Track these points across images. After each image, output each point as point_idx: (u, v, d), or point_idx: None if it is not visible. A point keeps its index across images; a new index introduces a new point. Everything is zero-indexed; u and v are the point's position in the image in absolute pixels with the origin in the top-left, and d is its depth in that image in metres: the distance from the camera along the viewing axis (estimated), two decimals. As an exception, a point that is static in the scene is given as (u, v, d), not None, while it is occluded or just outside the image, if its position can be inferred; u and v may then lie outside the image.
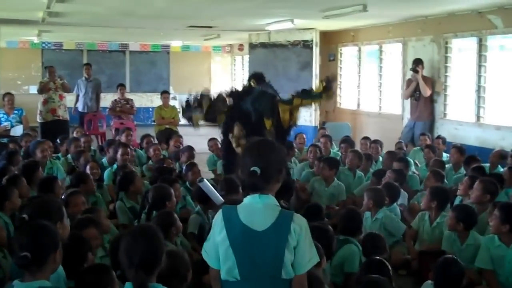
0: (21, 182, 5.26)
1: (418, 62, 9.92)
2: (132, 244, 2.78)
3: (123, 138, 8.88)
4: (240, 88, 7.34)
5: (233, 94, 7.00)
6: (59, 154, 8.34)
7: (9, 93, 10.41)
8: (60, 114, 10.59)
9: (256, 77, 7.17)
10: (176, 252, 3.66)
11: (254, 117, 6.63)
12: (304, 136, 9.48)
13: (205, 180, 4.82)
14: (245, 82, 7.17)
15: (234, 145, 6.70)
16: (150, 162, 8.25)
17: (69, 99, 11.48)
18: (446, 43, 10.03)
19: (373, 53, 12.56)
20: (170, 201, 5.09)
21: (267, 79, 7.18)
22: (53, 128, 9.85)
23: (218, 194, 4.70)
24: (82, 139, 8.78)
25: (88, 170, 6.57)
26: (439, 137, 9.21)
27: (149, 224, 3.23)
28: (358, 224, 4.97)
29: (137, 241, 2.79)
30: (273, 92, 6.90)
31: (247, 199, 2.75)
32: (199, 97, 7.17)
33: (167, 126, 11.31)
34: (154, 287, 2.79)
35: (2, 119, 9.98)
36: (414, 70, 9.86)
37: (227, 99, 6.93)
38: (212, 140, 9.19)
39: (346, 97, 13.51)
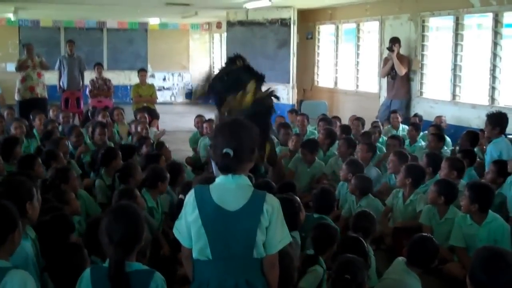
0: None
1: (394, 40, 9.89)
2: (112, 222, 2.79)
3: (99, 119, 8.74)
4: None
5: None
6: (34, 130, 8.18)
7: (-16, 71, 10.22)
8: (38, 92, 10.52)
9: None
10: None
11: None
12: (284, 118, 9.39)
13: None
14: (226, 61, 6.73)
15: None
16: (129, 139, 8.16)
17: (47, 76, 11.27)
18: (423, 21, 9.99)
19: (350, 31, 12.49)
20: (163, 183, 5.04)
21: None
22: (32, 107, 9.69)
23: None
24: (61, 115, 8.71)
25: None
26: (416, 115, 9.24)
27: (130, 203, 3.17)
28: (331, 202, 4.97)
29: (117, 219, 2.81)
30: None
31: (219, 179, 2.74)
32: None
33: (145, 104, 11.16)
34: (132, 265, 2.77)
35: (-23, 97, 9.80)
36: (390, 49, 9.83)
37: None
38: (198, 117, 9.16)
39: (324, 75, 13.46)
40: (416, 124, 8.34)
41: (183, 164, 6.30)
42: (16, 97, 10.56)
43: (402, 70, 9.79)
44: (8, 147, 5.87)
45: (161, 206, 5.10)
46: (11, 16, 15.96)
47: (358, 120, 8.62)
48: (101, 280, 2.73)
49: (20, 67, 10.48)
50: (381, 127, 8.74)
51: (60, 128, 8.39)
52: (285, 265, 2.93)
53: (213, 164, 4.78)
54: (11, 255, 2.74)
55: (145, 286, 2.73)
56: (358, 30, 12.01)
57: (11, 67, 12.82)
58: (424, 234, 4.24)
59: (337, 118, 9.28)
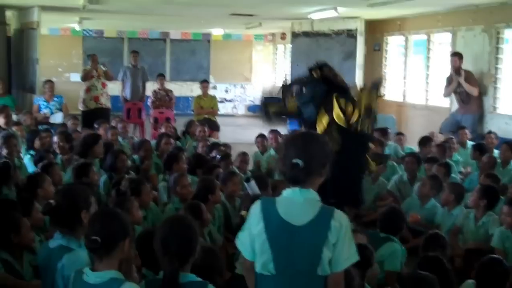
0: (54, 170, 5.40)
1: (457, 56, 9.67)
2: (169, 233, 2.86)
3: (162, 130, 8.98)
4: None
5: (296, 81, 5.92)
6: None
7: (49, 80, 10.63)
8: (103, 102, 10.86)
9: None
10: (208, 247, 3.70)
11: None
12: None
13: (252, 180, 4.82)
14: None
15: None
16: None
17: (110, 87, 11.63)
18: (498, 33, 9.77)
19: (420, 43, 12.35)
20: (213, 194, 5.08)
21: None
22: (96, 116, 9.99)
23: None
24: (120, 125, 8.98)
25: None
26: (490, 132, 8.98)
27: (185, 215, 3.27)
28: (400, 222, 4.91)
29: (173, 230, 2.88)
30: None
31: (286, 192, 2.73)
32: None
33: (206, 116, 11.36)
34: (186, 276, 2.83)
35: (42, 106, 10.19)
36: (458, 74, 9.58)
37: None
38: (260, 137, 8.76)
39: (392, 88, 13.33)
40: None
41: (236, 172, 6.18)
42: (81, 107, 10.90)
43: (475, 92, 9.55)
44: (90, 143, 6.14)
45: (219, 219, 5.16)
46: (76, 26, 16.53)
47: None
48: None
49: (86, 76, 10.84)
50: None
51: (120, 139, 8.62)
52: (346, 283, 2.88)
53: (247, 185, 4.76)
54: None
55: None
56: (429, 41, 11.87)
57: (75, 77, 13.35)
58: (493, 256, 4.16)
59: (401, 134, 9.14)
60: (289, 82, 5.84)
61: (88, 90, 10.80)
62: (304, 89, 5.56)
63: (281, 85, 5.82)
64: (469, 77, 9.66)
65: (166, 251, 2.80)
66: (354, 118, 5.29)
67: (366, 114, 5.35)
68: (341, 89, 5.43)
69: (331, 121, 5.36)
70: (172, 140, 7.82)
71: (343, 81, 5.59)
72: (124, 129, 9.25)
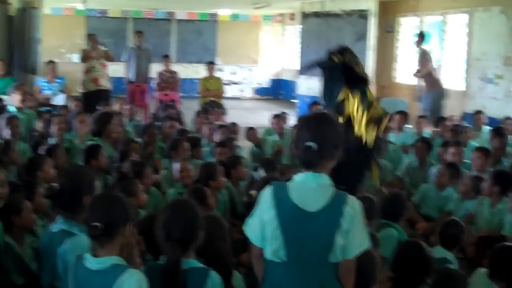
0: (58, 153, 5.41)
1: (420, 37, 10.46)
2: (171, 218, 2.84)
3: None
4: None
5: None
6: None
7: (51, 61, 10.60)
8: (103, 84, 10.75)
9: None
10: (211, 215, 3.68)
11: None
12: None
13: (260, 169, 4.77)
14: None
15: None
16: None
17: (113, 68, 11.60)
18: (516, 14, 9.70)
19: (435, 24, 12.24)
20: (214, 180, 5.07)
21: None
22: (96, 98, 9.95)
23: None
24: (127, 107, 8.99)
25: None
26: (509, 118, 8.81)
27: (189, 199, 3.25)
28: (401, 209, 4.75)
29: (176, 214, 2.86)
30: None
31: (298, 177, 2.72)
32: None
33: (212, 98, 11.33)
34: (189, 262, 2.82)
35: (44, 87, 10.17)
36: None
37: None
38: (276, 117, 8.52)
39: (404, 71, 13.25)
40: None
41: (241, 158, 6.14)
42: (80, 88, 10.83)
43: (423, 71, 10.22)
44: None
45: (224, 204, 5.16)
46: (79, 5, 16.48)
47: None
48: (155, 278, 2.77)
49: (85, 57, 10.74)
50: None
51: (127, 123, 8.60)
52: (365, 267, 2.90)
53: (255, 174, 4.72)
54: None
55: (201, 285, 2.77)
56: (444, 23, 11.76)
57: (77, 58, 13.29)
58: (507, 243, 4.12)
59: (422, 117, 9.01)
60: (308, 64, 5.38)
61: (87, 71, 10.70)
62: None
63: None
64: (421, 56, 10.22)
65: (169, 237, 2.79)
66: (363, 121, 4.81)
67: (374, 122, 4.86)
68: (360, 80, 4.96)
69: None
70: (176, 124, 7.79)
71: (364, 71, 5.20)
72: (131, 112, 9.20)
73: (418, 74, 10.45)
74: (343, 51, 5.02)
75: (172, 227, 2.81)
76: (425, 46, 12.34)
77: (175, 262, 2.76)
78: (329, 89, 4.97)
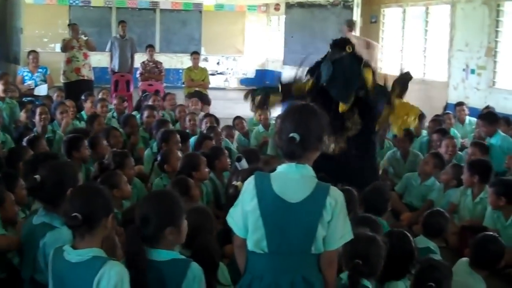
0: (40, 144, 5.35)
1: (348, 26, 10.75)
2: (150, 208, 2.81)
3: (150, 103, 8.91)
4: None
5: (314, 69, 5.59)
6: (83, 113, 8.39)
7: (33, 51, 10.46)
8: (85, 74, 10.57)
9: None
10: (199, 207, 3.68)
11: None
12: None
13: (243, 159, 4.76)
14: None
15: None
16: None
17: (97, 58, 11.49)
18: (498, 5, 9.73)
19: (418, 15, 12.27)
20: (197, 171, 4.98)
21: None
22: (77, 89, 9.85)
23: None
24: (115, 101, 8.90)
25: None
26: (487, 107, 8.92)
27: (169, 190, 3.23)
28: (383, 203, 4.62)
29: (155, 205, 2.83)
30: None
31: (282, 168, 2.71)
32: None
33: (197, 89, 11.29)
34: (169, 254, 2.78)
35: (26, 77, 10.04)
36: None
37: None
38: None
39: (388, 62, 13.28)
40: None
41: (223, 149, 6.06)
42: (62, 79, 10.62)
43: None
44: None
45: (207, 195, 5.12)
46: (62, -6, 16.35)
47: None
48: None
49: (65, 47, 10.54)
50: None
51: (114, 114, 8.54)
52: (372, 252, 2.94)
53: (238, 165, 4.72)
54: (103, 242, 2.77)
55: (182, 277, 2.73)
56: (427, 14, 11.79)
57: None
58: (487, 233, 4.17)
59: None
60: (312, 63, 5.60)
61: (68, 61, 10.52)
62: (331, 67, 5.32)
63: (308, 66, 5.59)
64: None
65: (146, 227, 2.75)
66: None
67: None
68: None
69: (355, 102, 5.29)
70: (155, 113, 7.72)
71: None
72: (119, 105, 9.05)
73: None
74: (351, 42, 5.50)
75: (151, 217, 2.77)
76: (408, 36, 12.45)
77: (137, 252, 2.72)
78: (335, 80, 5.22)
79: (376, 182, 4.97)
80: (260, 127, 8.11)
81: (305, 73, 5.51)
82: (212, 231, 3.50)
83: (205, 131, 7.05)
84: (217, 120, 7.70)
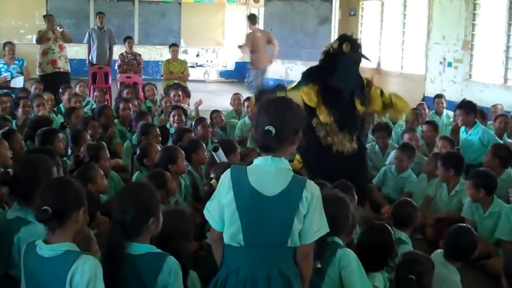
0: (15, 137, 5.27)
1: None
2: (116, 200, 2.82)
3: (124, 95, 8.90)
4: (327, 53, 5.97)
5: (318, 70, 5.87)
6: (61, 105, 8.29)
7: (9, 42, 10.29)
8: (61, 66, 10.42)
9: (350, 41, 6.00)
10: (178, 210, 3.65)
11: (346, 95, 5.73)
12: None
13: (220, 149, 4.73)
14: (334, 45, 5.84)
15: (321, 134, 5.53)
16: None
17: (74, 50, 11.36)
18: (475, -1, 9.82)
19: (396, 8, 12.32)
20: (174, 164, 4.88)
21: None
22: (54, 81, 9.74)
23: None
24: (95, 93, 8.90)
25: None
26: (464, 100, 8.98)
27: (144, 182, 3.20)
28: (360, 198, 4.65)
29: (121, 197, 2.84)
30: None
31: (258, 161, 2.71)
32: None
33: (176, 81, 11.23)
34: (144, 247, 2.77)
35: (2, 69, 9.87)
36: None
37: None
38: (235, 95, 9.16)
39: (366, 55, 13.28)
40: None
41: (201, 142, 5.93)
42: (38, 71, 10.48)
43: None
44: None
45: (185, 188, 5.08)
46: (39, -15, 16.12)
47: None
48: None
49: (41, 39, 10.38)
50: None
51: (93, 106, 8.48)
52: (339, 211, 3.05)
53: (214, 155, 4.72)
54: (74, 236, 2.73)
55: (157, 270, 2.72)
56: (405, 7, 11.84)
57: (36, 39, 12.99)
58: (461, 224, 4.18)
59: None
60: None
61: (44, 53, 10.35)
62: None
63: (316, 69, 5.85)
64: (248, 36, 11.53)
65: (126, 220, 2.73)
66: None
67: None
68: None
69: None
70: (130, 105, 7.64)
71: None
72: (100, 97, 9.01)
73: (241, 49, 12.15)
74: (349, 38, 5.92)
75: (116, 208, 2.77)
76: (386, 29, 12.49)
77: (116, 245, 2.71)
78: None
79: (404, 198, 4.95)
80: (246, 119, 8.08)
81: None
82: (189, 237, 3.46)
83: (174, 124, 7.00)
84: (184, 112, 7.61)
